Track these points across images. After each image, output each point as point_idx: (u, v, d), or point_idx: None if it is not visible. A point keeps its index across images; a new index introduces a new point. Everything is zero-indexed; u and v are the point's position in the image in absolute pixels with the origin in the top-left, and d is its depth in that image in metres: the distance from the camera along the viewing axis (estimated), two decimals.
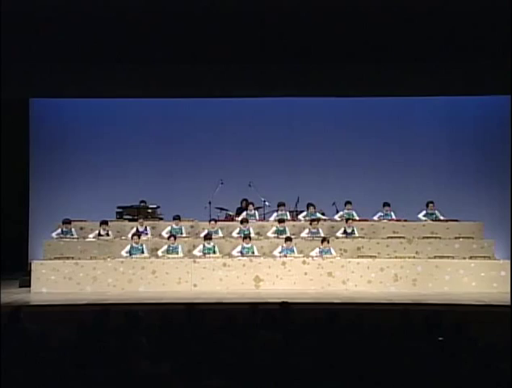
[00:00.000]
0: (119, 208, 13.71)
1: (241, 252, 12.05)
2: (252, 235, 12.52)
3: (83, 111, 15.63)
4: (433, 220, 13.16)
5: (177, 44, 12.74)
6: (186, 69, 13.69)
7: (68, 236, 12.70)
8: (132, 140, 15.54)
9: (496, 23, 11.53)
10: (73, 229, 12.82)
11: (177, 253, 12.12)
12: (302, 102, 15.34)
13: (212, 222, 12.88)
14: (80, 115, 15.61)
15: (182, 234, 12.82)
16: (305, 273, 11.69)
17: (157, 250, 12.34)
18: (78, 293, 11.27)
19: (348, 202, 13.31)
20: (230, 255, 12.14)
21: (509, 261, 11.78)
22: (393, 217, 13.25)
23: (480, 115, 15.30)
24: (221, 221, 13.42)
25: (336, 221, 13.27)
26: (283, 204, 13.43)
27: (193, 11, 11.90)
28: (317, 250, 12.03)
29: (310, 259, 11.84)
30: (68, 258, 11.89)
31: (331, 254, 11.97)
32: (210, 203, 13.53)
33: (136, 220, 13.21)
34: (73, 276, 11.64)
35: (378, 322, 6.69)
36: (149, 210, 13.74)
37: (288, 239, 12.16)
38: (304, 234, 12.67)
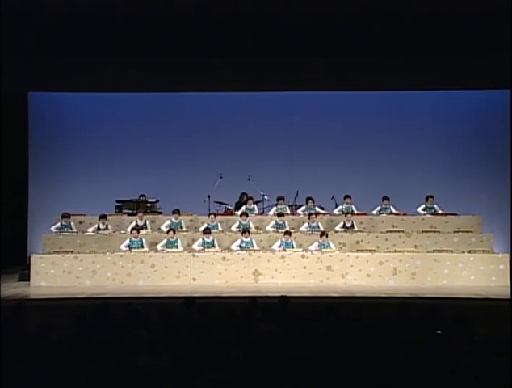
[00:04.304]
0: (118, 202, 13.72)
1: (240, 246, 12.07)
2: (251, 229, 12.53)
3: (82, 105, 15.62)
4: (432, 214, 13.17)
5: (175, 38, 12.70)
6: (184, 63, 13.65)
7: (67, 230, 12.70)
8: (131, 134, 15.54)
9: (495, 17, 11.51)
10: (72, 223, 12.83)
11: (176, 247, 12.13)
12: (301, 96, 15.34)
13: (212, 216, 12.89)
14: (79, 109, 15.61)
15: (181, 228, 12.83)
16: (304, 267, 11.71)
17: (156, 244, 12.34)
18: (77, 287, 11.29)
19: (347, 196, 13.32)
20: (229, 249, 12.16)
21: (507, 255, 11.82)
22: (393, 210, 13.26)
23: (479, 109, 15.30)
24: (220, 215, 13.43)
25: (335, 215, 13.29)
26: (282, 198, 13.44)
27: (190, 5, 11.87)
28: (316, 244, 12.04)
29: (309, 252, 11.85)
30: (67, 252, 11.91)
31: (330, 248, 11.98)
32: (209, 197, 13.56)
33: (135, 214, 13.22)
34: (73, 269, 11.65)
35: (377, 315, 6.70)
36: (149, 204, 13.75)
37: (287, 233, 12.17)
38: (303, 228, 12.68)
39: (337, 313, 6.73)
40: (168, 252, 11.94)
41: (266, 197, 13.87)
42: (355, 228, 12.76)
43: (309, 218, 12.71)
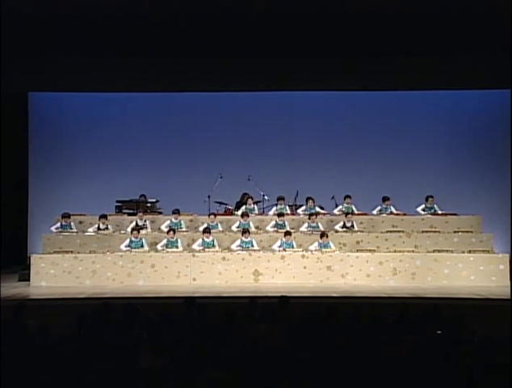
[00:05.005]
0: (118, 202, 13.72)
1: (240, 246, 12.06)
2: (251, 229, 12.52)
3: (82, 106, 15.63)
4: (432, 214, 13.17)
5: (176, 38, 12.71)
6: (185, 63, 13.67)
7: (67, 230, 12.70)
8: (132, 134, 15.54)
9: (495, 16, 11.51)
10: (72, 223, 12.82)
11: (176, 247, 12.13)
12: (301, 96, 15.35)
13: (212, 216, 12.89)
14: (79, 109, 15.62)
15: (181, 227, 12.83)
16: (304, 267, 11.70)
17: (156, 244, 12.34)
18: (77, 287, 11.28)
19: (347, 196, 13.32)
20: (229, 249, 12.15)
21: (507, 255, 11.81)
22: (393, 210, 13.26)
23: (479, 109, 15.30)
24: (220, 215, 13.43)
25: (335, 215, 13.28)
26: (283, 198, 13.43)
27: (193, 5, 11.88)
28: (316, 244, 12.04)
29: (309, 252, 11.85)
30: (67, 252, 11.90)
31: (330, 248, 11.98)
32: (209, 197, 13.55)
33: (135, 214, 13.23)
34: (73, 269, 11.64)
35: (377, 315, 6.70)
36: (149, 204, 13.75)
37: (287, 233, 12.17)
38: (304, 228, 12.68)
39: (337, 313, 6.73)
40: (168, 252, 11.94)
41: (266, 197, 13.87)
42: (355, 228, 12.76)
43: (309, 218, 12.70)
